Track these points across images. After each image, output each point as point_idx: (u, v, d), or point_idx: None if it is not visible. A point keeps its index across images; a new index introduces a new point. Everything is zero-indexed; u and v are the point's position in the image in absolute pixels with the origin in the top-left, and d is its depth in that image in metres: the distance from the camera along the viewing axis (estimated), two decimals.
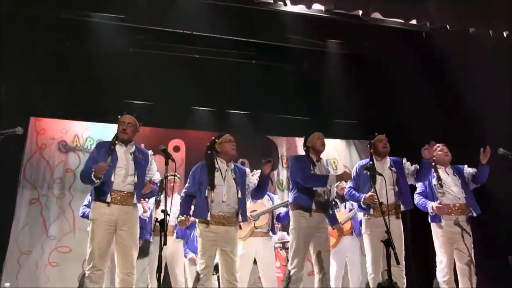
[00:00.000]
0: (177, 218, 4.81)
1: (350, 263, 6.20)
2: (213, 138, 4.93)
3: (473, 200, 5.28)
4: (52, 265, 7.18)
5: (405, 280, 4.95)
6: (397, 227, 5.04)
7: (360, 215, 6.03)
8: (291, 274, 4.89)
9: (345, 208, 6.38)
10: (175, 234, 5.95)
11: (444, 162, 5.42)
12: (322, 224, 4.95)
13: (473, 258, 5.16)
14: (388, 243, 4.37)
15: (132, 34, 7.26)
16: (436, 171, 5.34)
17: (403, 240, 5.07)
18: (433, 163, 5.31)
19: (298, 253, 4.85)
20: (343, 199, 6.36)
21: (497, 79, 6.94)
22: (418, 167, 5.22)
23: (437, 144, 5.43)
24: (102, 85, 7.18)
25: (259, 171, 5.95)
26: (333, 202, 6.32)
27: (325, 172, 5.14)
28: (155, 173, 4.82)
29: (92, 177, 4.36)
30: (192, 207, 4.84)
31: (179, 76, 7.50)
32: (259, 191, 4.92)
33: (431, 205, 5.23)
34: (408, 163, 5.31)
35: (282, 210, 5.87)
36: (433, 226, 5.32)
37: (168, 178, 5.67)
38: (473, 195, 5.34)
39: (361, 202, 5.08)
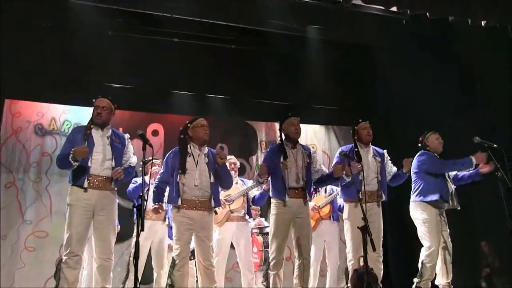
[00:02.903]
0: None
1: (328, 247, 6.23)
2: (186, 122, 4.90)
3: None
4: (28, 249, 7.11)
5: (382, 266, 5.03)
6: (378, 215, 5.11)
7: (340, 200, 6.11)
8: (270, 258, 4.93)
9: (325, 192, 6.39)
10: (167, 220, 5.90)
11: (438, 151, 5.49)
12: (301, 209, 4.95)
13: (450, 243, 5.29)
14: (364, 229, 4.42)
15: (112, 17, 7.14)
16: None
17: (382, 228, 5.13)
18: (427, 150, 5.46)
19: (277, 237, 4.87)
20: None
21: (475, 67, 7.04)
22: (396, 171, 5.32)
23: (435, 132, 5.53)
24: (80, 68, 7.09)
25: (232, 157, 5.98)
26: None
27: (301, 159, 5.03)
28: (131, 156, 4.78)
29: (70, 159, 4.31)
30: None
31: (158, 59, 7.45)
32: (219, 183, 4.85)
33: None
34: (390, 161, 5.37)
35: (256, 192, 5.88)
36: (421, 209, 5.34)
37: (153, 162, 5.71)
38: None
39: (333, 175, 5.04)
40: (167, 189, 4.84)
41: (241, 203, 5.75)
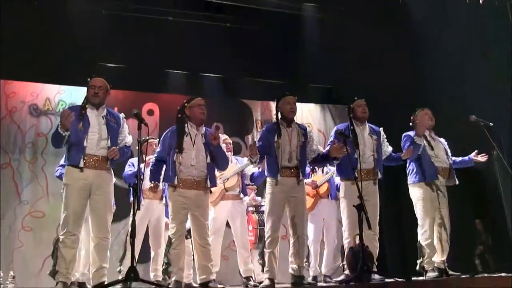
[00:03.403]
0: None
1: (326, 226, 6.23)
2: (183, 102, 4.90)
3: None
4: (25, 229, 7.12)
5: (377, 244, 5.06)
6: (374, 193, 5.12)
7: (337, 179, 6.13)
8: (266, 237, 4.97)
9: (322, 172, 6.40)
10: (164, 199, 5.89)
11: (428, 127, 5.48)
12: (295, 188, 4.95)
13: (448, 219, 5.31)
14: (360, 208, 4.45)
15: None
16: (424, 136, 5.40)
17: (378, 206, 5.16)
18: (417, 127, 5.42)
19: (271, 216, 4.89)
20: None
21: (470, 44, 7.01)
22: (392, 153, 5.33)
23: (424, 109, 5.52)
24: (74, 47, 7.04)
25: (226, 136, 5.98)
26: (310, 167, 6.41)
27: (296, 138, 5.01)
28: (127, 136, 4.75)
29: (59, 129, 4.31)
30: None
31: (153, 38, 7.39)
32: (214, 163, 4.85)
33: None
34: (386, 140, 5.37)
35: (255, 170, 5.86)
36: (414, 189, 5.40)
37: (149, 141, 5.71)
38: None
39: (329, 155, 5.05)
40: (164, 168, 4.85)
41: (235, 181, 5.75)
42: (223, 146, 5.04)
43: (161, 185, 4.96)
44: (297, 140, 5.01)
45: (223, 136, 5.92)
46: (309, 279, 5.78)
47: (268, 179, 5.00)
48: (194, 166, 4.66)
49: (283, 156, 4.92)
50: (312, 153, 5.16)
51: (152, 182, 4.79)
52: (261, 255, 5.18)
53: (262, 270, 5.07)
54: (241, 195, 5.87)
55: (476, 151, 5.45)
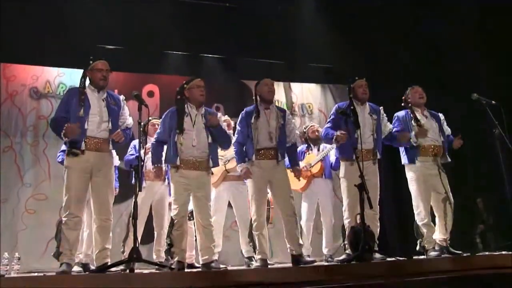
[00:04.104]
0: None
1: (322, 206, 6.26)
2: (182, 83, 4.88)
3: (446, 146, 5.35)
4: (29, 212, 7.17)
5: (378, 224, 5.09)
6: (374, 173, 5.13)
7: (332, 158, 6.13)
8: (252, 220, 5.01)
9: (318, 151, 6.40)
10: (166, 180, 5.92)
11: (419, 105, 5.44)
12: (275, 170, 4.96)
13: (451, 196, 5.23)
14: (361, 187, 4.46)
15: None
16: (413, 113, 5.37)
17: (378, 186, 5.16)
18: (410, 105, 5.40)
19: (254, 199, 4.94)
20: (315, 142, 6.41)
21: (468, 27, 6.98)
22: (392, 131, 5.31)
23: (414, 87, 5.47)
24: (73, 29, 7.00)
25: (226, 117, 5.97)
26: (306, 145, 6.41)
27: (275, 119, 5.04)
28: (127, 118, 4.75)
29: (62, 135, 4.32)
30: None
31: (152, 20, 7.33)
32: (217, 143, 4.88)
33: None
34: (386, 118, 5.34)
35: None
36: (408, 169, 5.38)
37: (152, 122, 5.71)
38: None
39: (333, 140, 5.08)
40: (165, 149, 4.85)
41: (235, 163, 5.74)
42: (224, 125, 5.03)
43: (164, 166, 4.96)
44: (276, 121, 5.03)
45: (223, 117, 5.90)
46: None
47: (247, 161, 5.01)
48: (195, 147, 4.66)
49: (260, 137, 4.95)
50: (288, 137, 5.13)
51: (155, 165, 4.78)
52: (251, 237, 5.21)
53: (254, 252, 5.10)
54: None
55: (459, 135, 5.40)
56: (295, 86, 8.98)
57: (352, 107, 5.05)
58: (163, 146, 4.83)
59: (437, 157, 5.29)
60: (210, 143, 4.75)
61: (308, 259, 4.95)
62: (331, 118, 5.30)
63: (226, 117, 6.05)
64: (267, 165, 4.94)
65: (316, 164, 6.24)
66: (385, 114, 5.36)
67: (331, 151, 6.16)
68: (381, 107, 5.38)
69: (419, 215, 5.23)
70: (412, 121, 5.33)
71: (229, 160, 5.73)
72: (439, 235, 5.26)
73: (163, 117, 4.88)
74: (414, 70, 7.39)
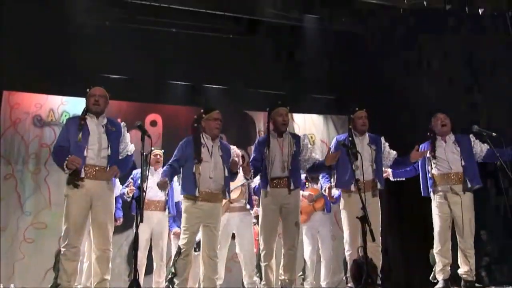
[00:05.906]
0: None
1: (322, 238, 6.22)
2: (201, 111, 4.87)
3: (473, 171, 5.15)
4: (27, 241, 7.11)
5: (381, 256, 5.01)
6: (374, 204, 5.06)
7: (334, 191, 6.07)
8: (260, 249, 4.96)
9: (317, 185, 6.37)
10: (167, 210, 5.89)
11: (443, 133, 5.28)
12: (287, 199, 4.91)
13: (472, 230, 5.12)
14: (364, 219, 4.41)
15: (109, 7, 7.11)
16: (433, 143, 5.24)
17: (380, 217, 5.11)
18: (432, 135, 5.28)
19: (264, 228, 4.90)
20: (315, 179, 6.36)
21: (472, 55, 7.01)
22: (397, 157, 5.24)
23: (436, 114, 5.32)
24: (77, 58, 7.02)
25: (234, 147, 5.95)
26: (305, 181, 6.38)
27: (288, 147, 4.99)
28: (128, 144, 4.68)
29: (64, 167, 4.27)
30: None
31: (156, 50, 7.41)
32: (230, 177, 4.89)
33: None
34: (388, 146, 5.28)
35: (257, 183, 5.81)
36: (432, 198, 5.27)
37: (154, 151, 5.68)
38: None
39: (325, 163, 5.04)
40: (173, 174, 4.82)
41: (239, 192, 5.70)
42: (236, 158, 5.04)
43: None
44: (288, 149, 4.99)
45: (237, 151, 5.87)
46: None
47: (262, 191, 5.01)
48: (212, 179, 4.64)
49: (274, 166, 4.92)
50: (306, 162, 5.11)
51: (162, 177, 4.70)
52: (258, 267, 5.14)
53: (260, 282, 5.04)
54: (248, 206, 5.78)
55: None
56: (298, 117, 9.01)
57: (350, 138, 5.04)
58: (175, 171, 4.74)
59: (456, 185, 5.13)
60: (227, 176, 4.75)
61: None
62: (331, 150, 5.22)
63: (234, 147, 6.00)
64: (278, 194, 4.91)
65: (319, 199, 6.23)
66: (387, 143, 5.30)
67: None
68: (382, 137, 5.34)
69: (435, 243, 5.16)
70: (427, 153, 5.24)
71: (232, 190, 5.68)
72: (461, 267, 5.11)
73: (180, 144, 4.80)
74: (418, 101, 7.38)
